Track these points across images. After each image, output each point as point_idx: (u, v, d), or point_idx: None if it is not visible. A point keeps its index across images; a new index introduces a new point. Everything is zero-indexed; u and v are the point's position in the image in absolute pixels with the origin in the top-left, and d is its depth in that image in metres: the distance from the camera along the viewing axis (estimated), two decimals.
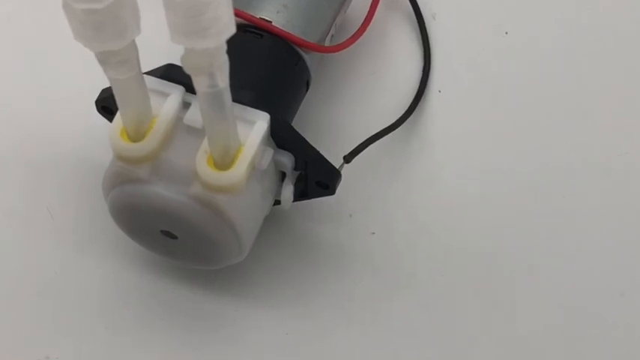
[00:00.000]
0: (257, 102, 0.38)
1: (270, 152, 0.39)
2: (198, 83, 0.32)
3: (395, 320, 0.43)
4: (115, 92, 0.35)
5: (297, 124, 0.44)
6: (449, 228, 0.45)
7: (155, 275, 0.44)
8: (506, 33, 0.51)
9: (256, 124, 0.38)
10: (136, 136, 0.37)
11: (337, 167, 0.42)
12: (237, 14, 0.38)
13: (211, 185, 0.37)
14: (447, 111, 0.48)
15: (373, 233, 0.45)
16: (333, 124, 0.48)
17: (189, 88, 0.38)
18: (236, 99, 0.36)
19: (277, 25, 0.43)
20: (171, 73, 0.38)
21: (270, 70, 0.42)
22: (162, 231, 0.40)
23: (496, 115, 0.48)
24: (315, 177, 0.41)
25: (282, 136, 0.39)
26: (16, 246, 0.45)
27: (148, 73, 0.39)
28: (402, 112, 0.47)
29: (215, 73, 0.32)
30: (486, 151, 0.47)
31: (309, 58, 0.44)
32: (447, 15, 0.51)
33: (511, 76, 0.49)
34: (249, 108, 0.38)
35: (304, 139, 0.40)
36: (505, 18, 0.51)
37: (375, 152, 0.45)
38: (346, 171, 0.42)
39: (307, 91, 0.45)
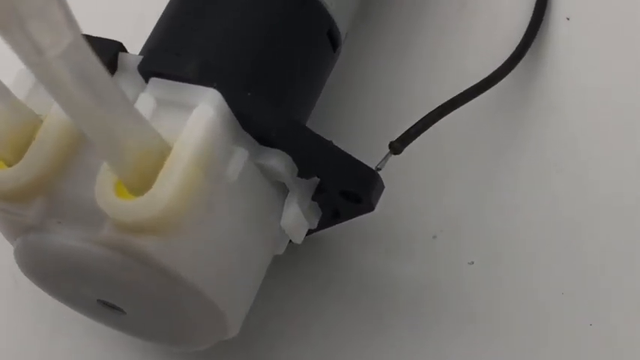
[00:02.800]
0: (202, 73, 0.25)
1: (241, 153, 0.26)
2: (15, 50, 0.19)
3: None
4: None
5: (328, 107, 0.32)
6: (600, 246, 0.31)
7: None
8: None
9: (195, 110, 0.24)
10: (12, 155, 0.25)
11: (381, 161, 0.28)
12: None
13: (124, 223, 0.24)
14: (583, 49, 0.34)
15: (471, 263, 0.32)
16: (392, 90, 0.35)
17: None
18: (167, 70, 0.26)
19: None
20: None
21: (241, 20, 0.28)
22: (99, 301, 0.27)
23: None
24: (336, 184, 0.27)
25: (256, 121, 0.26)
26: None
27: None
28: (505, 57, 0.33)
29: (28, 24, 0.19)
30: None
31: None
32: None
33: None
34: (185, 85, 0.25)
35: (299, 123, 0.27)
36: None
37: (466, 129, 0.32)
38: (420, 167, 0.32)
39: (337, 50, 0.31)
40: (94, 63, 0.21)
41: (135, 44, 0.29)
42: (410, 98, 0.34)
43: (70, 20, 0.20)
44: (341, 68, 0.33)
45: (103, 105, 0.22)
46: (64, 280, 0.27)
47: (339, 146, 0.27)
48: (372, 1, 0.35)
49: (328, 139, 0.27)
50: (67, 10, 0.20)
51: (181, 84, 0.25)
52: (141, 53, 0.28)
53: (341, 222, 0.29)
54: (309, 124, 0.30)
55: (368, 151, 0.29)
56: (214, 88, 0.25)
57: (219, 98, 0.25)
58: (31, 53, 0.20)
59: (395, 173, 0.29)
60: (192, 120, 0.24)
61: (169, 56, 0.26)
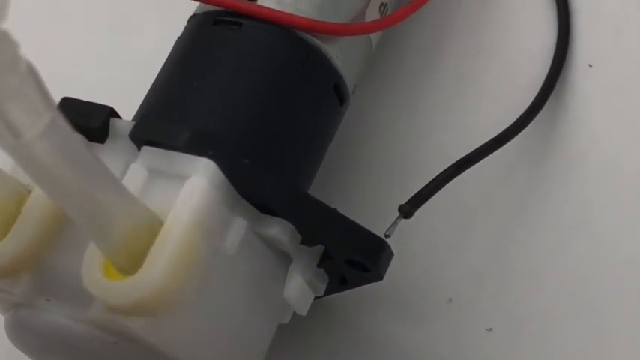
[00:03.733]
0: (195, 142, 0.24)
1: (239, 224, 0.25)
2: None
3: None
4: None
5: (334, 165, 0.31)
6: (627, 314, 0.29)
7: None
8: None
9: (188, 182, 0.23)
10: None
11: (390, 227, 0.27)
12: None
13: (112, 304, 0.22)
14: (606, 99, 0.33)
15: (490, 329, 0.30)
16: (402, 146, 0.33)
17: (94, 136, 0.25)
18: (159, 139, 0.25)
19: (265, 4, 0.28)
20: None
21: (238, 81, 0.27)
22: None
23: None
24: (342, 253, 0.26)
25: (254, 191, 0.25)
26: None
27: None
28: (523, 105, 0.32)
29: (3, 106, 0.18)
30: None
31: (334, 48, 0.29)
32: None
33: None
34: (179, 155, 0.24)
35: (300, 191, 0.26)
36: None
37: (482, 186, 0.32)
38: (433, 226, 0.31)
39: (344, 104, 0.30)
40: (74, 142, 0.20)
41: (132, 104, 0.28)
42: (421, 154, 0.33)
43: (47, 99, 0.19)
44: (348, 124, 0.31)
45: (86, 186, 0.21)
46: (55, 355, 0.26)
47: (344, 209, 0.26)
48: (382, 51, 0.34)
49: (332, 202, 0.26)
50: (43, 90, 0.19)
51: (175, 153, 0.24)
52: (134, 118, 0.27)
53: (350, 289, 0.28)
54: (313, 185, 0.29)
55: (376, 212, 0.28)
56: (209, 157, 0.24)
57: (214, 168, 0.24)
58: (7, 136, 0.19)
59: (406, 232, 0.28)
60: (185, 193, 0.23)
61: (162, 123, 0.25)
